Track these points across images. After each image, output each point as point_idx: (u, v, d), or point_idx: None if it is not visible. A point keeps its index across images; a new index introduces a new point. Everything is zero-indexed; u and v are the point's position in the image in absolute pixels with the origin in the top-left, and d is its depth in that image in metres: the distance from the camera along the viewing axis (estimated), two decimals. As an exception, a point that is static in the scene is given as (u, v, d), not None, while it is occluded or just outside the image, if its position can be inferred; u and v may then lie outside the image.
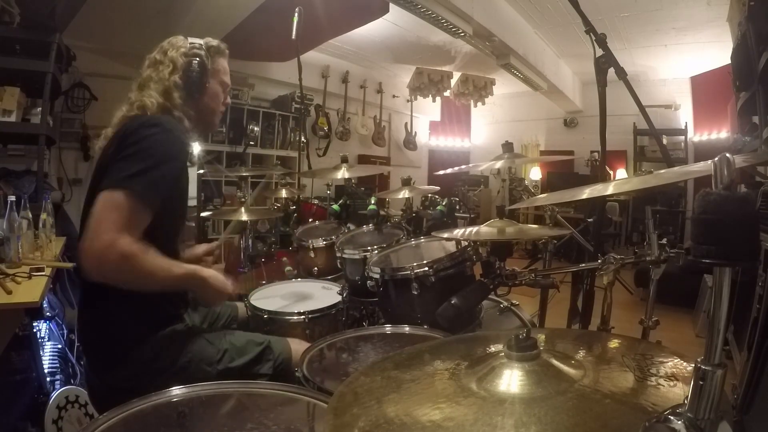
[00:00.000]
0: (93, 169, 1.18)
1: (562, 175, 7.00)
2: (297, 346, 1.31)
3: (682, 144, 6.04)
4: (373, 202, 2.33)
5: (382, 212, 2.52)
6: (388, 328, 1.34)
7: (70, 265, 1.87)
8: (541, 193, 6.36)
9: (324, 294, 1.76)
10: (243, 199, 2.42)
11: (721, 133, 5.70)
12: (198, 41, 1.27)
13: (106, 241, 0.94)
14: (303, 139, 3.82)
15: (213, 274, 1.16)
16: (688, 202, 5.77)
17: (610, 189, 0.93)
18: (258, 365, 1.22)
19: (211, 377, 1.12)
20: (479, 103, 7.00)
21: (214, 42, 1.30)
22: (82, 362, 1.96)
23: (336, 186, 3.90)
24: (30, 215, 1.86)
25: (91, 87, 3.66)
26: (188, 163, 1.20)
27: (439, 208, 2.84)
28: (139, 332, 1.11)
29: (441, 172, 1.93)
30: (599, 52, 1.42)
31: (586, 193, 0.94)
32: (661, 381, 0.59)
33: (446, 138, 8.24)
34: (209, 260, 1.52)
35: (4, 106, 2.43)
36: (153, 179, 1.02)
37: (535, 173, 7.27)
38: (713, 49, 4.81)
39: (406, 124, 7.38)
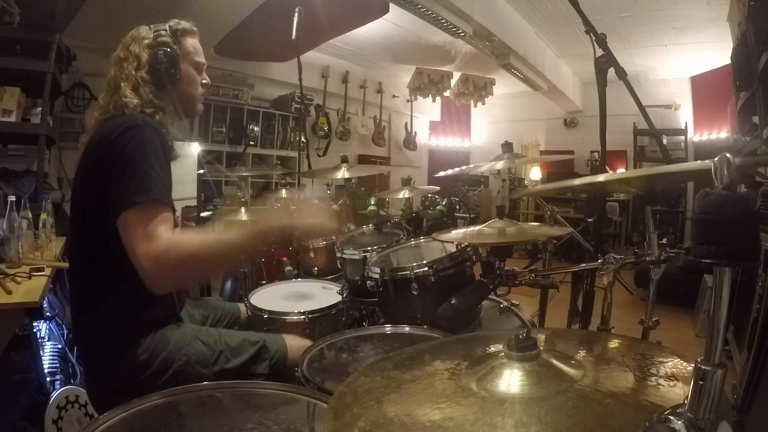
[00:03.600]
0: (75, 174, 1.14)
1: (562, 174, 7.00)
2: (293, 342, 1.30)
3: (682, 144, 6.04)
4: (373, 202, 2.33)
5: (382, 212, 2.52)
6: (388, 328, 1.33)
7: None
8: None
9: (324, 294, 1.76)
10: (243, 199, 2.42)
11: (721, 133, 5.70)
12: (163, 27, 1.21)
13: (139, 258, 0.95)
14: (303, 139, 3.83)
15: (284, 223, 1.13)
16: (688, 202, 5.78)
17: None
18: (254, 365, 1.21)
19: (207, 379, 1.11)
20: (479, 103, 7.00)
21: (180, 24, 1.24)
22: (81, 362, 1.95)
23: (336, 186, 3.90)
24: (30, 215, 1.86)
25: (91, 87, 3.67)
26: (171, 156, 1.16)
27: (439, 208, 2.84)
28: (133, 333, 1.10)
29: (441, 174, 1.93)
30: (599, 52, 1.42)
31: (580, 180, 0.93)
32: (661, 381, 0.59)
33: (446, 138, 8.24)
34: None
35: (4, 106, 2.43)
36: (152, 179, 1.01)
37: (535, 173, 7.27)
38: (713, 49, 4.81)
39: (406, 124, 7.38)
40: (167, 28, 1.22)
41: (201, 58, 1.29)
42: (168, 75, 1.18)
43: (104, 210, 1.01)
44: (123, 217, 0.98)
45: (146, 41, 1.18)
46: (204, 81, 1.31)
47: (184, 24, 1.26)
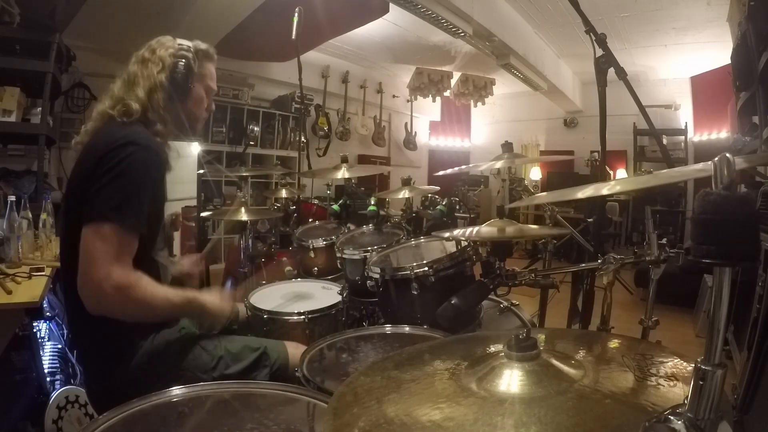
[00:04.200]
0: (71, 172, 1.14)
1: (562, 175, 7.00)
2: (294, 349, 1.29)
3: (682, 144, 6.05)
4: (373, 202, 2.33)
5: (382, 212, 2.52)
6: (388, 328, 1.33)
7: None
8: (541, 193, 6.36)
9: (324, 294, 1.76)
10: (243, 199, 2.42)
11: (721, 133, 5.70)
12: (186, 43, 1.23)
13: (100, 275, 0.95)
14: (303, 139, 3.83)
15: (211, 300, 1.17)
16: (688, 202, 5.78)
17: (606, 189, 0.92)
18: (254, 372, 1.21)
19: None
20: (479, 103, 7.00)
21: (203, 45, 1.27)
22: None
23: (336, 186, 3.90)
24: (30, 215, 1.86)
25: (91, 87, 3.66)
26: (165, 174, 1.15)
27: (439, 208, 2.84)
28: (133, 337, 1.10)
29: (441, 173, 1.93)
30: (599, 52, 1.42)
31: (588, 192, 0.93)
32: (661, 381, 0.59)
33: (446, 138, 8.24)
34: (194, 281, 1.53)
35: (4, 106, 2.43)
36: (136, 206, 1.01)
37: (535, 173, 7.27)
38: (713, 49, 4.81)
39: (406, 124, 7.38)
40: (191, 46, 1.24)
41: (213, 85, 1.32)
42: (182, 87, 1.19)
43: None
44: (92, 227, 0.97)
45: (171, 49, 1.20)
46: (210, 106, 1.33)
47: (208, 47, 1.29)
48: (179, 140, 1.32)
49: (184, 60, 1.19)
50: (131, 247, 1.01)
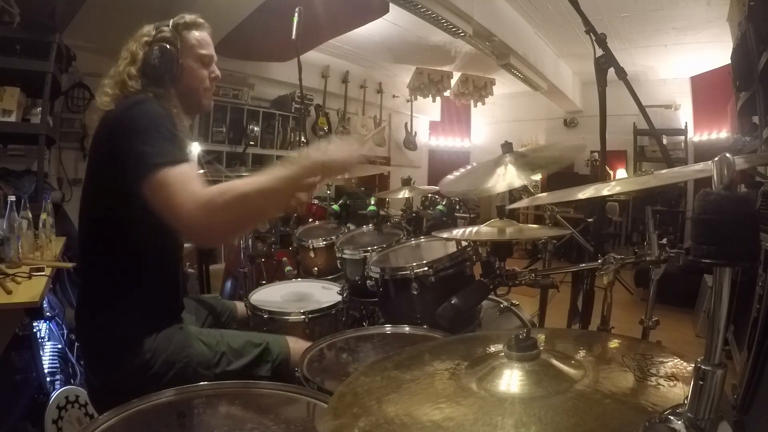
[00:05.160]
0: (88, 159, 1.15)
1: (562, 175, 6.99)
2: (295, 344, 1.29)
3: (682, 144, 6.04)
4: (373, 202, 2.33)
5: (382, 212, 2.52)
6: (388, 328, 1.33)
7: (70, 265, 1.87)
8: (541, 193, 6.35)
9: (324, 294, 1.76)
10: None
11: (721, 133, 5.70)
12: (165, 23, 1.19)
13: (181, 209, 0.88)
14: (303, 139, 3.82)
15: (332, 150, 1.00)
16: (688, 202, 5.78)
17: (606, 190, 0.92)
18: (256, 367, 1.21)
19: (208, 381, 1.11)
20: (479, 103, 6.99)
21: (183, 18, 1.21)
22: (82, 362, 1.96)
23: (336, 186, 3.90)
24: (30, 215, 1.86)
25: (91, 87, 3.66)
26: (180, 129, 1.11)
27: (439, 208, 2.84)
28: (136, 333, 1.10)
29: (444, 180, 1.92)
30: (599, 52, 1.42)
31: (588, 192, 0.93)
32: (661, 381, 0.59)
33: (446, 138, 8.23)
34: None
35: (4, 106, 2.43)
36: (167, 140, 0.98)
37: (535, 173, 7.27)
38: (713, 49, 4.81)
39: (406, 124, 7.38)
40: (169, 24, 1.19)
41: (206, 50, 1.24)
42: (166, 71, 1.15)
43: (118, 201, 1.01)
44: (147, 186, 0.92)
45: (146, 38, 1.17)
46: (213, 75, 1.27)
47: (188, 17, 1.22)
48: (189, 119, 1.28)
49: (160, 43, 1.15)
50: (192, 174, 0.94)
